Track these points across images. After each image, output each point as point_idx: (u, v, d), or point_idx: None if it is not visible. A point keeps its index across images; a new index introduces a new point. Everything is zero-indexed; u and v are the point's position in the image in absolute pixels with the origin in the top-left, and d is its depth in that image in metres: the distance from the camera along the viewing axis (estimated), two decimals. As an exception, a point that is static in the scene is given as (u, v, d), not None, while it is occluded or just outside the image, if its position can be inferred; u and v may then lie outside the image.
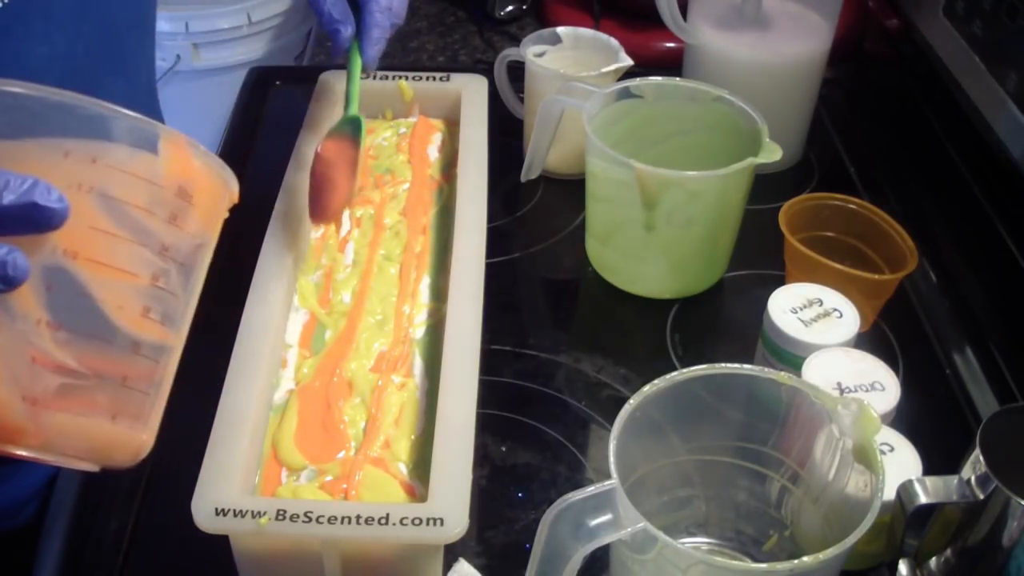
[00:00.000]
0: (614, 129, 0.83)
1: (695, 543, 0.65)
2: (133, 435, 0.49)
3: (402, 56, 1.20)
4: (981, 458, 0.56)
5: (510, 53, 0.95)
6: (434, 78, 0.91)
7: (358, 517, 0.56)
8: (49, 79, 0.65)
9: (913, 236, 0.78)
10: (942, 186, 0.94)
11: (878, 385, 0.66)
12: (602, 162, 0.79)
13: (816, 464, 0.59)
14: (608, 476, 0.51)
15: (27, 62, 0.63)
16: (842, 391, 0.65)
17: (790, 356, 0.70)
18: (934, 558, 0.62)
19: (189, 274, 0.51)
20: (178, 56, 1.53)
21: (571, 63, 0.95)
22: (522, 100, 0.98)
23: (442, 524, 0.56)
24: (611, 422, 0.54)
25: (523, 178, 0.91)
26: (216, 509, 0.56)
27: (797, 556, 0.50)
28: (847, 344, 0.70)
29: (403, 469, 0.62)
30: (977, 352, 0.81)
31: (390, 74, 0.90)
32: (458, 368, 0.64)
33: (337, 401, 0.66)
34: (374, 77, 0.90)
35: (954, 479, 0.58)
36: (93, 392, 0.47)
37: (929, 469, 0.62)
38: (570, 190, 0.92)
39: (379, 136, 0.88)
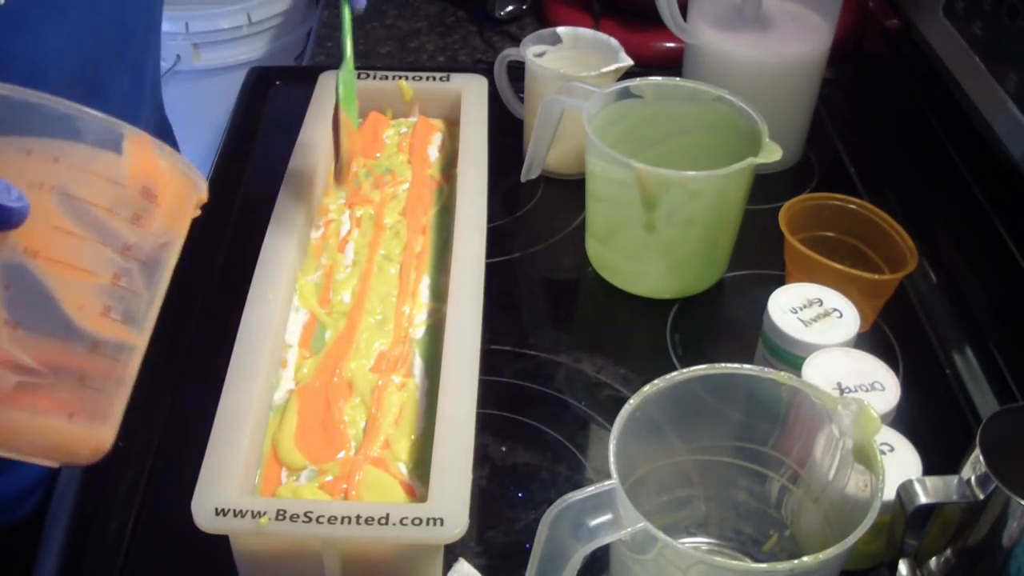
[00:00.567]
0: (614, 129, 0.83)
1: (695, 543, 0.65)
2: (91, 433, 0.49)
3: (402, 56, 1.20)
4: (981, 458, 0.56)
5: (510, 53, 0.95)
6: (434, 78, 0.91)
7: (358, 517, 0.56)
8: (58, 71, 0.66)
9: (913, 236, 0.78)
10: (942, 186, 0.94)
11: (878, 385, 0.66)
12: (602, 162, 0.79)
13: (816, 464, 0.59)
14: (608, 476, 0.51)
15: (36, 54, 0.63)
16: (842, 391, 0.65)
17: (790, 356, 0.70)
18: (934, 558, 0.62)
19: (153, 273, 0.51)
20: (178, 56, 1.54)
21: (571, 63, 0.95)
22: (522, 100, 0.98)
23: (442, 524, 0.56)
24: (611, 422, 0.54)
25: (523, 178, 0.91)
26: (216, 509, 0.56)
27: (797, 556, 0.50)
28: (847, 344, 0.70)
29: (403, 469, 0.62)
30: (977, 352, 0.81)
31: (390, 74, 0.91)
32: (458, 368, 0.64)
33: (337, 401, 0.66)
34: (374, 77, 0.90)
35: (954, 479, 0.58)
36: (50, 390, 0.47)
37: (929, 469, 0.62)
38: (570, 190, 0.92)
39: (380, 135, 0.88)
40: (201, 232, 0.90)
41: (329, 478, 0.61)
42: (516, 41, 1.13)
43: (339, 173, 0.75)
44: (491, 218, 0.77)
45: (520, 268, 0.89)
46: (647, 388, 0.56)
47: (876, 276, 0.77)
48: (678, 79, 0.86)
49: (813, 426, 0.57)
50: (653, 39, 1.13)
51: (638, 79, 0.84)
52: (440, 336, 0.68)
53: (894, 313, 0.81)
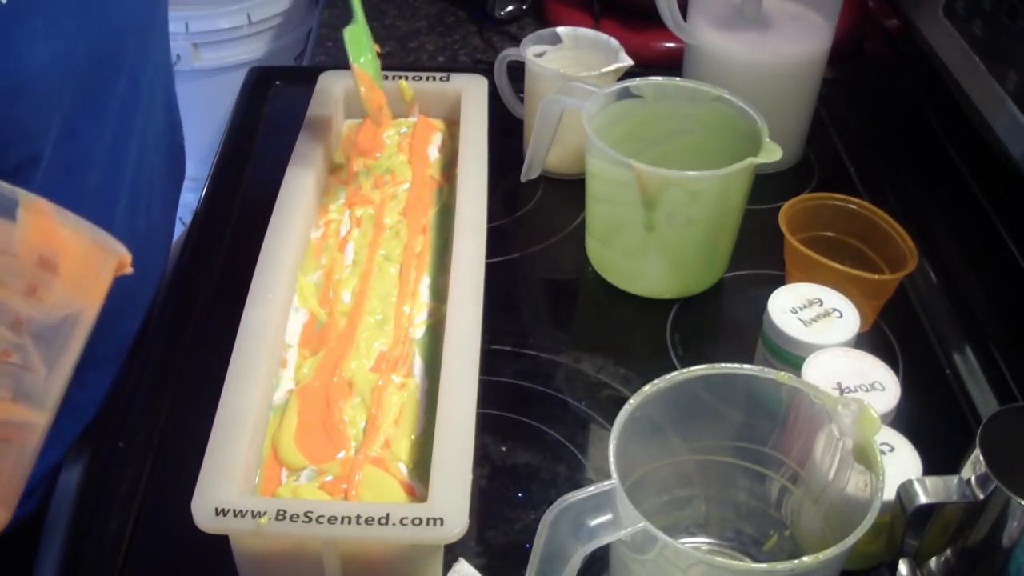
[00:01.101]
0: (614, 129, 0.83)
1: (695, 543, 0.65)
2: None
3: (402, 56, 1.20)
4: (981, 458, 0.56)
5: (510, 53, 0.95)
6: (434, 78, 0.91)
7: (358, 517, 0.56)
8: (49, 79, 0.65)
9: (913, 236, 0.78)
10: (942, 186, 0.94)
11: (878, 385, 0.66)
12: (602, 162, 0.79)
13: (816, 464, 0.59)
14: (608, 476, 0.51)
15: (27, 61, 0.63)
16: (842, 391, 0.65)
17: (790, 356, 0.70)
18: (934, 558, 0.62)
19: (53, 346, 0.48)
20: (178, 56, 1.54)
21: (571, 63, 0.95)
22: (522, 100, 0.98)
23: (442, 524, 0.56)
24: (611, 422, 0.54)
25: (523, 178, 0.91)
26: (216, 509, 0.56)
27: (797, 556, 0.50)
28: (847, 344, 0.70)
29: (403, 469, 0.62)
30: (977, 352, 0.81)
31: (390, 74, 0.90)
32: (458, 368, 0.64)
33: (337, 401, 0.66)
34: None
35: (954, 479, 0.58)
36: None
37: (929, 469, 0.62)
38: (570, 190, 0.92)
39: (380, 135, 0.88)
40: (201, 232, 0.91)
41: (329, 478, 0.61)
42: (516, 41, 1.13)
43: (374, 119, 0.80)
44: (491, 218, 0.77)
45: (520, 268, 0.89)
46: (647, 388, 0.56)
47: (876, 276, 0.77)
48: (678, 79, 0.86)
49: (813, 426, 0.57)
50: (653, 39, 1.13)
51: (638, 79, 0.84)
52: (440, 336, 0.68)
53: (894, 313, 0.81)
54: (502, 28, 1.24)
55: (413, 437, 0.64)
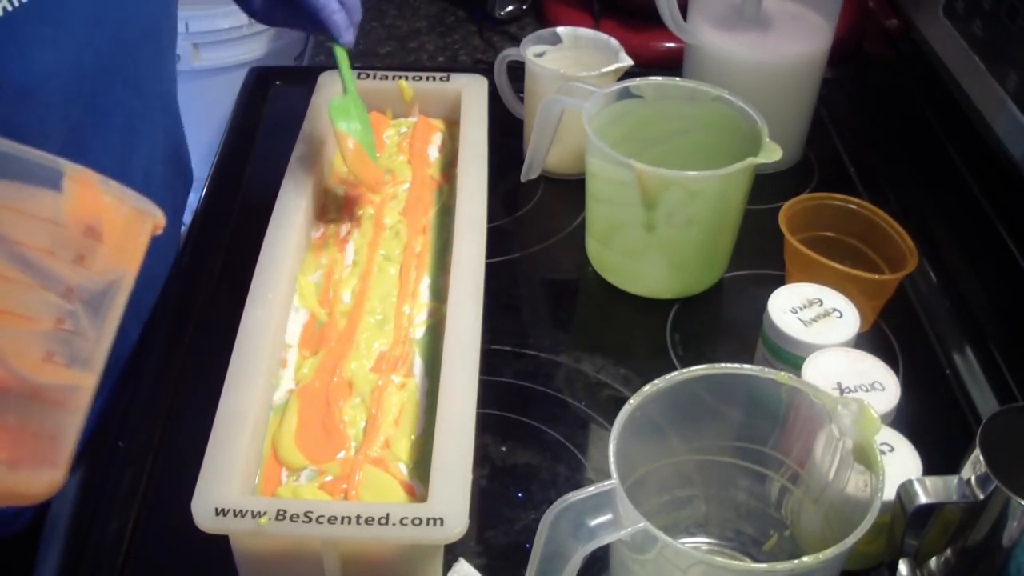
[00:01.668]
0: (614, 129, 0.83)
1: (695, 543, 0.65)
2: (34, 481, 0.48)
3: (402, 56, 1.20)
4: (981, 458, 0.56)
5: (510, 53, 0.95)
6: (434, 78, 0.91)
7: (358, 517, 0.56)
8: (56, 85, 0.65)
9: (913, 236, 0.79)
10: (942, 186, 0.94)
11: (878, 385, 0.66)
12: (602, 162, 0.79)
13: (816, 464, 0.59)
14: (608, 476, 0.51)
15: (35, 67, 0.63)
16: (842, 391, 0.65)
17: (790, 356, 0.70)
18: (934, 558, 0.62)
19: (100, 311, 0.49)
20: (178, 56, 1.53)
21: (571, 63, 0.95)
22: (522, 100, 0.98)
23: (442, 524, 0.56)
24: (611, 422, 0.54)
25: (523, 178, 0.91)
26: (216, 509, 0.56)
27: (797, 556, 0.50)
28: (847, 344, 0.70)
29: (403, 469, 0.62)
30: (977, 352, 0.81)
31: (390, 74, 0.91)
32: (458, 368, 0.64)
33: (337, 401, 0.66)
34: (374, 77, 0.90)
35: (954, 479, 0.58)
36: None
37: (929, 469, 0.62)
38: (570, 190, 0.92)
39: (380, 135, 0.88)
40: (201, 232, 0.91)
41: (329, 478, 0.61)
42: (516, 41, 1.13)
43: (367, 188, 0.78)
44: (491, 218, 0.77)
45: (520, 268, 0.89)
46: (647, 388, 0.56)
47: (876, 276, 0.77)
48: (678, 79, 0.86)
49: (813, 426, 0.57)
50: (653, 39, 1.13)
51: (638, 79, 0.84)
52: (440, 336, 0.68)
53: (894, 313, 0.81)
54: (502, 28, 1.24)
55: (413, 437, 0.64)
